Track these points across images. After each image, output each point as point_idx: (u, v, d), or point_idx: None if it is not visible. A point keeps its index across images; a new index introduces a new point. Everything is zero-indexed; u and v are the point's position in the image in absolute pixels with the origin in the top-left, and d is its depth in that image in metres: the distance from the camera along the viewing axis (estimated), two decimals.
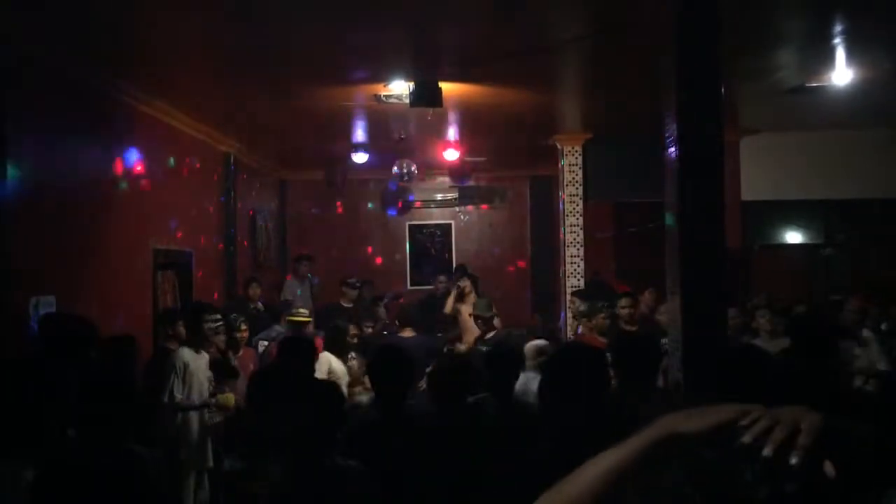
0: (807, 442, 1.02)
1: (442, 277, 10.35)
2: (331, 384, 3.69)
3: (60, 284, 5.32)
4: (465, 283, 8.46)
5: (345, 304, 9.09)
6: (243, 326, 6.68)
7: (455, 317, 8.23)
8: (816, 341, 4.17)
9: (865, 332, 6.25)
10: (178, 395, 5.43)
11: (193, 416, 5.58)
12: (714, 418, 1.15)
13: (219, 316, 6.25)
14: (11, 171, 4.58)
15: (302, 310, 7.47)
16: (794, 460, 1.01)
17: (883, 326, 6.58)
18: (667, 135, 4.53)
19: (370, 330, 7.85)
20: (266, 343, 6.98)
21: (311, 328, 7.19)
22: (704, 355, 4.01)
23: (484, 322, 6.92)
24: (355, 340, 6.91)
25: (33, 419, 2.31)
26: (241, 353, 6.63)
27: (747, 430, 1.06)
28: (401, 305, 8.72)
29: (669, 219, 4.46)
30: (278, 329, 7.15)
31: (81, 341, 4.20)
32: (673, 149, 4.44)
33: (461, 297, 8.33)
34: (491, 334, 6.88)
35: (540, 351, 6.08)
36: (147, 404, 3.03)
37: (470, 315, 8.19)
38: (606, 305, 6.99)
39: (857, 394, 3.32)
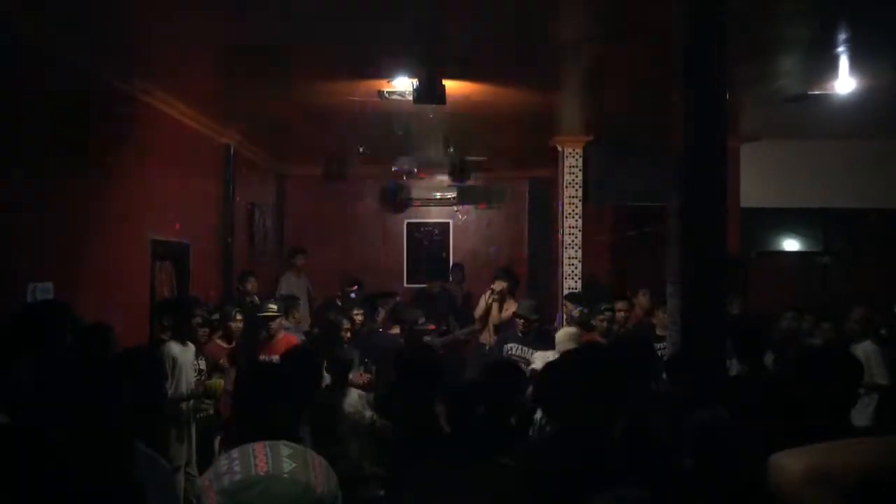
0: None
1: (438, 283, 10.39)
2: None
3: (58, 272, 5.30)
4: (502, 286, 8.44)
5: (339, 304, 9.08)
6: (238, 317, 6.73)
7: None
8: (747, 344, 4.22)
9: (868, 345, 6.16)
10: (169, 391, 5.44)
11: (180, 410, 5.60)
12: None
13: (216, 315, 6.36)
14: (15, 158, 4.56)
15: (271, 305, 6.90)
16: None
17: (882, 332, 6.52)
18: (671, 140, 4.53)
19: (360, 318, 7.71)
20: None
21: (280, 323, 6.79)
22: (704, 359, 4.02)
23: (528, 323, 6.92)
24: (349, 335, 6.92)
25: None
26: (233, 343, 6.71)
27: None
28: (393, 303, 8.70)
29: (672, 224, 4.46)
30: (285, 324, 7.12)
31: (47, 326, 4.12)
32: (677, 154, 4.44)
33: (501, 300, 8.34)
34: (529, 337, 6.88)
35: (572, 337, 6.14)
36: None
37: (508, 314, 8.20)
38: (605, 308, 7.02)
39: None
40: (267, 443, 1.56)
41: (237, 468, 1.50)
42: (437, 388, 3.62)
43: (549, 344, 6.53)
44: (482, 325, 8.50)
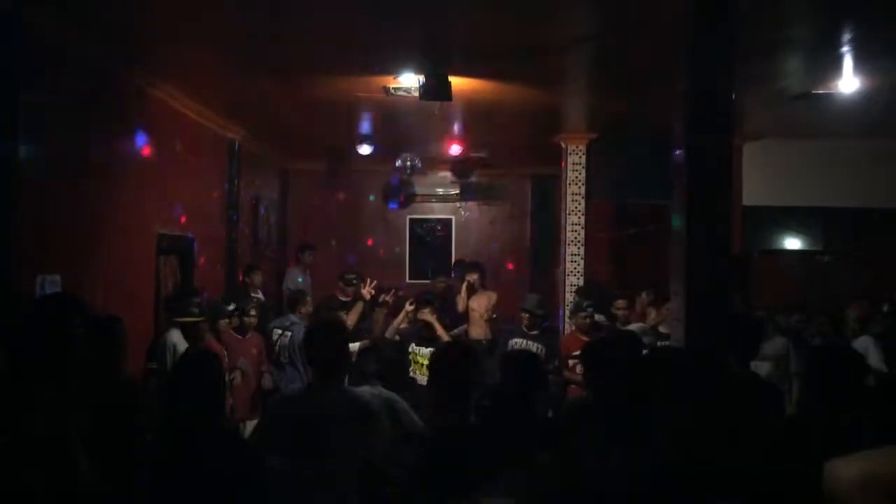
0: None
1: (442, 278, 10.40)
2: None
3: (66, 264, 5.32)
4: (474, 277, 8.52)
5: (342, 298, 9.07)
6: (252, 312, 6.90)
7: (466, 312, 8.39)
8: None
9: (864, 339, 6.25)
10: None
11: None
12: None
13: (234, 306, 6.57)
14: (24, 150, 4.59)
15: (193, 309, 6.12)
16: None
17: (876, 330, 6.55)
18: (675, 137, 4.56)
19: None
20: (280, 331, 7.04)
21: (205, 327, 6.17)
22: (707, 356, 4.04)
23: (533, 318, 6.95)
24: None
25: None
26: (248, 335, 6.95)
27: None
28: (396, 298, 8.75)
29: (676, 221, 4.49)
30: (293, 318, 7.13)
31: (60, 319, 4.14)
32: (681, 151, 4.48)
33: (472, 291, 8.41)
34: (535, 332, 6.94)
35: None
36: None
37: (484, 311, 8.29)
38: (587, 305, 7.09)
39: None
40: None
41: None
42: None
43: (554, 340, 6.57)
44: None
